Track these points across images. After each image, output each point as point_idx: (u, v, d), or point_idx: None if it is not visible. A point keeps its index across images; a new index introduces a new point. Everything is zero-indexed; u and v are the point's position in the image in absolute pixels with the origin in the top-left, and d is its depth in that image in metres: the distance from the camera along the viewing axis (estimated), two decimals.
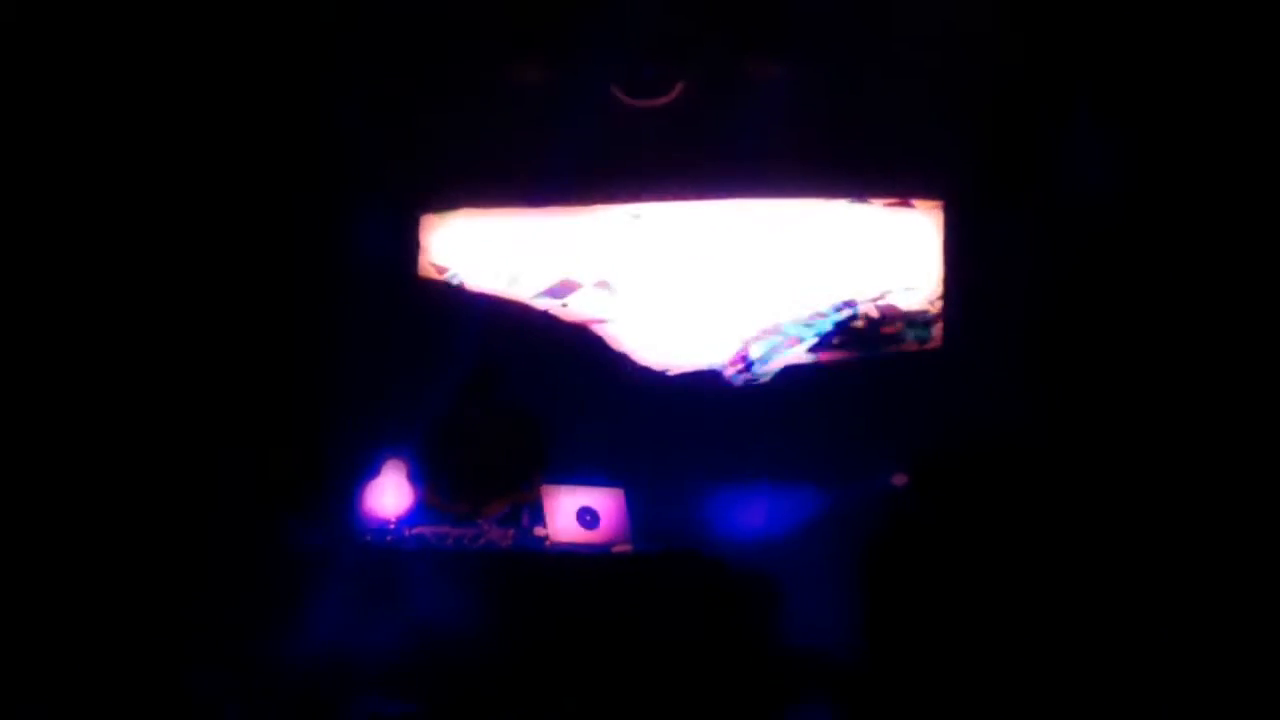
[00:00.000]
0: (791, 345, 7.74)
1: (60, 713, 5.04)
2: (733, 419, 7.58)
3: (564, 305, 7.93)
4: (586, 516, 6.00)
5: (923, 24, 7.18)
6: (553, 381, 7.37)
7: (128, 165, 7.20)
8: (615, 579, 5.76)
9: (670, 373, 7.82)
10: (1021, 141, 7.19)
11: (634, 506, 6.06)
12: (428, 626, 5.55)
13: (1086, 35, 6.95)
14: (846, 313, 7.70)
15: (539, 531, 6.17)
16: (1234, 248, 6.71)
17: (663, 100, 7.71)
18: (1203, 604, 5.61)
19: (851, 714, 5.12)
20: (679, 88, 7.70)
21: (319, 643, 5.41)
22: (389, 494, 6.30)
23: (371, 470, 6.40)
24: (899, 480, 5.96)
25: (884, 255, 7.68)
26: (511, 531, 6.21)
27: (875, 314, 7.69)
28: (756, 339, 7.77)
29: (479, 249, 8.03)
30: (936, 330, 7.62)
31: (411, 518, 6.30)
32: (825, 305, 7.71)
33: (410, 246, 8.03)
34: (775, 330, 7.75)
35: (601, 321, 7.90)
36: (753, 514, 7.10)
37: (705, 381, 7.78)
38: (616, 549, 5.98)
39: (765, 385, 7.74)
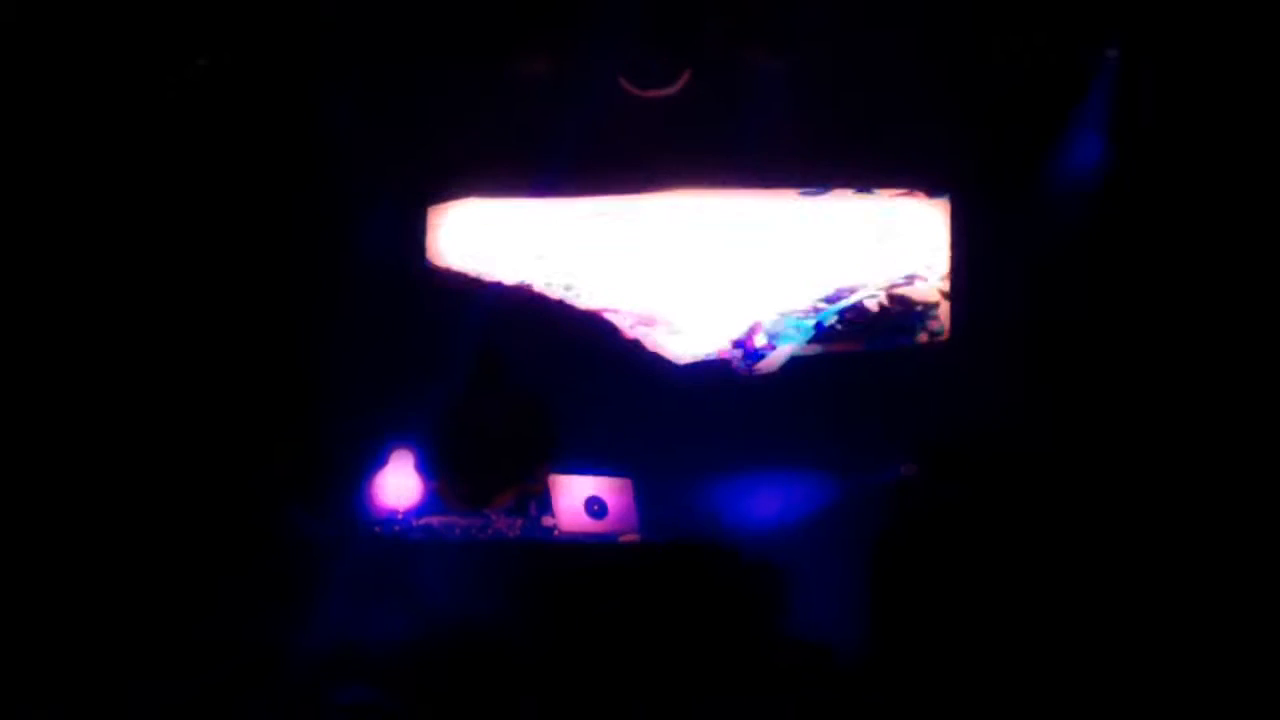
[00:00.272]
0: (799, 335, 7.74)
1: (63, 706, 5.04)
2: (740, 409, 7.58)
3: (572, 294, 7.92)
4: (594, 506, 6.01)
5: (932, 14, 7.16)
6: (560, 371, 7.37)
7: (131, 162, 7.22)
8: (623, 568, 5.76)
9: (678, 362, 7.82)
10: (1028, 134, 7.19)
11: (642, 496, 6.06)
12: (435, 616, 5.55)
13: (1096, 26, 6.94)
14: (854, 303, 7.69)
15: (547, 521, 6.18)
16: (1239, 239, 6.71)
17: (669, 90, 7.69)
18: (1210, 602, 5.61)
19: (857, 704, 5.11)
20: (685, 77, 7.68)
21: (326, 633, 5.41)
22: (397, 485, 6.31)
23: (379, 461, 6.41)
24: (908, 471, 5.96)
25: (892, 246, 7.67)
26: (520, 521, 6.22)
27: (883, 305, 7.68)
28: (764, 329, 7.76)
29: (486, 239, 8.02)
30: (945, 321, 7.61)
31: (420, 508, 6.31)
32: (834, 295, 7.71)
33: (417, 236, 8.01)
34: (783, 320, 7.75)
35: (609, 311, 7.90)
36: (761, 504, 7.10)
37: (713, 371, 7.77)
38: (624, 539, 5.99)
39: (773, 375, 7.74)
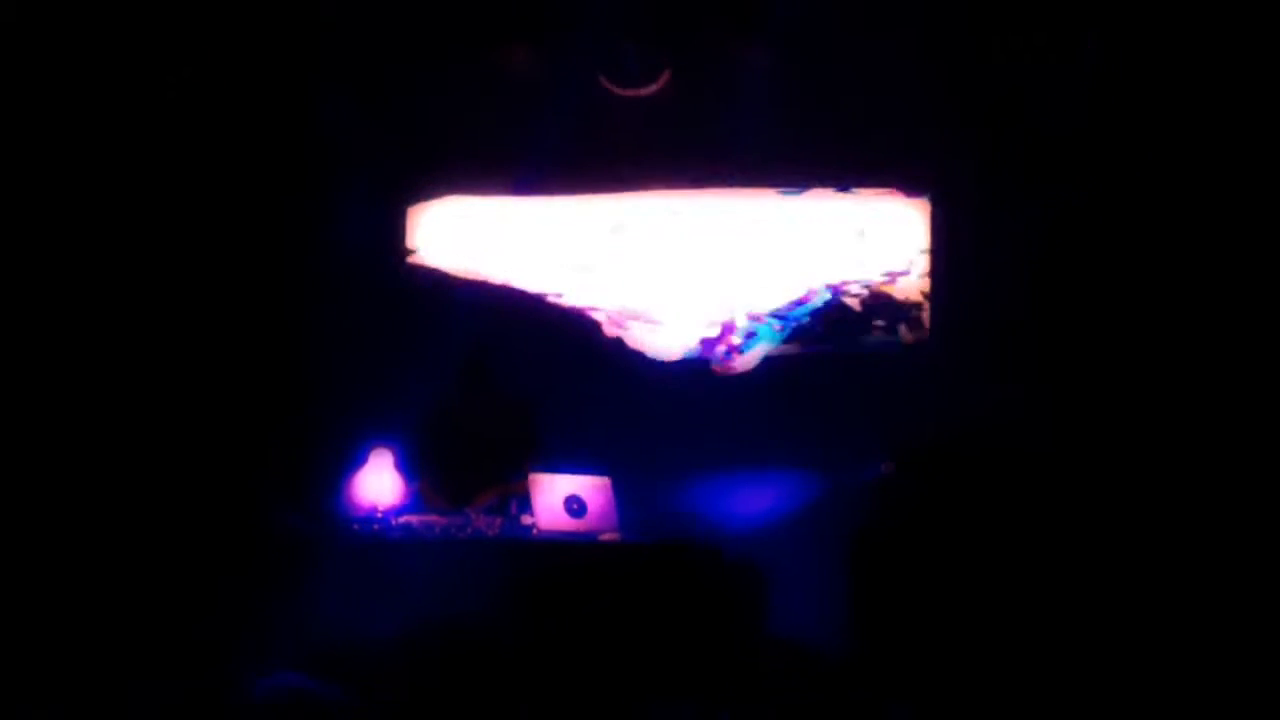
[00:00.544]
0: (778, 333, 7.74)
1: (54, 706, 5.01)
2: (720, 408, 7.58)
3: (551, 293, 7.92)
4: (574, 505, 6.00)
5: (912, 13, 7.18)
6: (540, 370, 7.36)
7: (113, 157, 7.19)
8: (602, 567, 5.75)
9: (658, 361, 7.82)
10: (1008, 132, 7.20)
11: (621, 495, 6.06)
12: (413, 614, 5.53)
13: (1080, 27, 6.96)
14: (834, 301, 7.70)
15: (526, 520, 6.17)
16: (1229, 240, 6.73)
17: (649, 89, 7.70)
18: (1198, 600, 5.62)
19: (839, 702, 5.11)
20: (666, 76, 7.68)
21: (305, 630, 5.39)
22: (377, 483, 6.29)
23: (359, 459, 6.39)
24: (887, 469, 5.97)
25: (872, 245, 7.68)
26: (499, 520, 6.20)
27: (862, 303, 7.69)
28: (743, 327, 7.77)
29: (465, 237, 8.01)
30: (924, 320, 7.62)
31: (400, 507, 6.30)
32: (812, 294, 7.71)
33: (396, 235, 8.00)
34: (762, 318, 7.75)
35: (588, 310, 7.89)
36: (740, 502, 7.10)
37: (693, 370, 7.77)
38: (604, 537, 5.98)
39: (753, 374, 7.74)
